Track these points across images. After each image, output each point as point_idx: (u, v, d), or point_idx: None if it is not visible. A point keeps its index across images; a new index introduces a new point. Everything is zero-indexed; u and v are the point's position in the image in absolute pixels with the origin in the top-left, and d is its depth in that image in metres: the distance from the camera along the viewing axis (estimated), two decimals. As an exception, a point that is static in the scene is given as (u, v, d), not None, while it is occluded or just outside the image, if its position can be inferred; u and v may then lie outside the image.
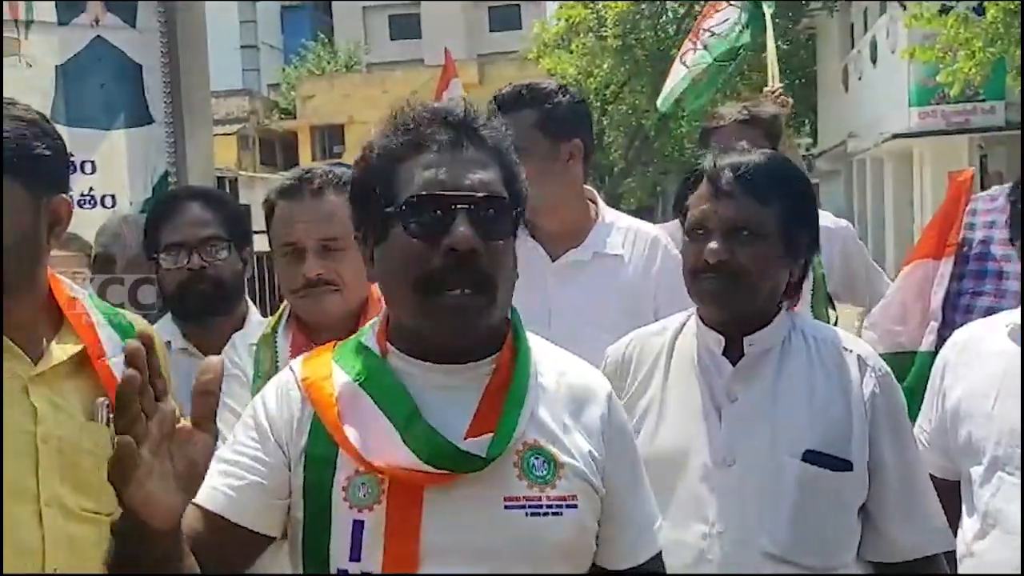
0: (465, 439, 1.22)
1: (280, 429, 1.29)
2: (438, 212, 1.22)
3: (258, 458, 1.28)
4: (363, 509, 1.22)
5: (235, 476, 1.27)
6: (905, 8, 11.66)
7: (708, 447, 1.62)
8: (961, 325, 2.31)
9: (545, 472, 1.26)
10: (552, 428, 1.29)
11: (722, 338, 1.66)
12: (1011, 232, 1.86)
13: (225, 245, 2.24)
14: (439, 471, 1.21)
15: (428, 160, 1.24)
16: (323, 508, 1.24)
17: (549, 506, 1.24)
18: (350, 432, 1.24)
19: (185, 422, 1.09)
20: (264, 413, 1.30)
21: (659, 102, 5.47)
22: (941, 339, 2.36)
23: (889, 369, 1.71)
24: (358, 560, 1.22)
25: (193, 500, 1.14)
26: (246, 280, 2.35)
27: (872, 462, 1.63)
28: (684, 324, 1.74)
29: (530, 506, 1.24)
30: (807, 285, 2.60)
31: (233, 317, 2.28)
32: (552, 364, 1.35)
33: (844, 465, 1.60)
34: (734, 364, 1.66)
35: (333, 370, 1.30)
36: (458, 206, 1.21)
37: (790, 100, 3.70)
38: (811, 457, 1.60)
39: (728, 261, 1.60)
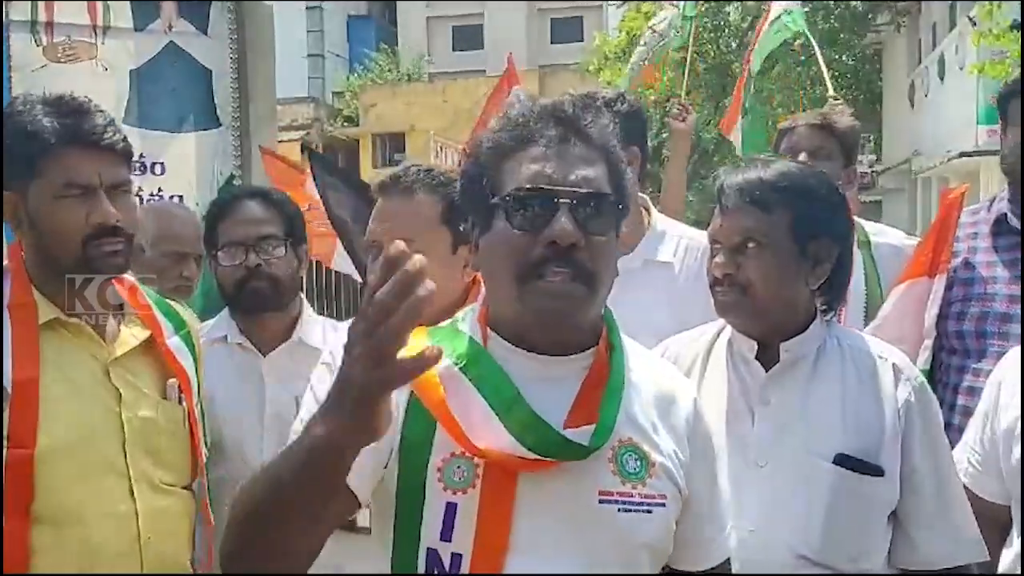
0: (565, 429, 1.23)
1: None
2: (541, 205, 1.23)
3: None
4: (457, 491, 1.23)
5: None
6: (975, 24, 11.38)
7: (740, 448, 1.65)
8: (953, 332, 2.30)
9: (638, 469, 1.27)
10: (644, 427, 1.30)
11: (755, 343, 1.70)
12: None
13: (281, 244, 2.31)
14: (538, 458, 1.22)
15: (535, 154, 1.26)
16: (416, 488, 1.25)
17: (640, 503, 1.25)
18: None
19: None
20: None
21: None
22: (933, 355, 2.34)
23: (924, 379, 1.72)
24: (449, 541, 1.23)
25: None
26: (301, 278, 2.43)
27: (905, 469, 1.64)
28: (721, 329, 1.77)
29: (623, 502, 1.25)
30: (859, 299, 2.60)
31: (287, 314, 2.36)
32: (643, 364, 1.36)
33: (875, 470, 1.62)
34: (767, 369, 1.69)
35: None
36: (560, 200, 1.23)
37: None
38: (842, 461, 1.62)
39: (734, 274, 1.65)
